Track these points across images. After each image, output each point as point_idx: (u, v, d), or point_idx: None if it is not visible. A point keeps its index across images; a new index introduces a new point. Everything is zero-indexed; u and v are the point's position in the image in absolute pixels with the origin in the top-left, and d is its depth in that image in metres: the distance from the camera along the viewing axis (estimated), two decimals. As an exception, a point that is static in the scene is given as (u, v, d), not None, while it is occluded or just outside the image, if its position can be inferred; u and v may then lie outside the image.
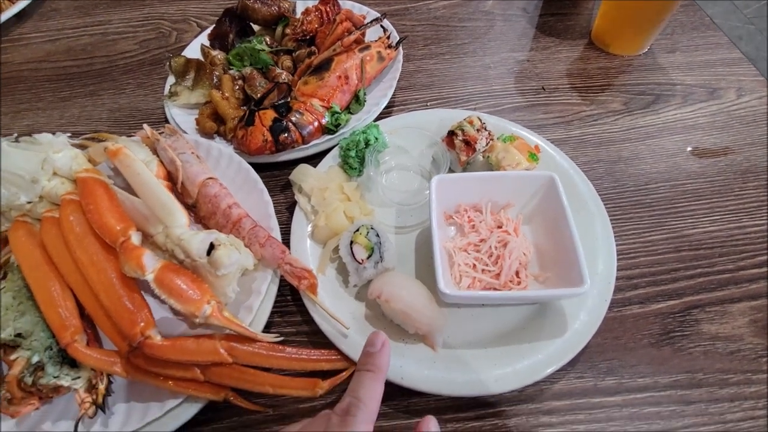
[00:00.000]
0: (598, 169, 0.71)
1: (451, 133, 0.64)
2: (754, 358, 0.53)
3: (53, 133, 0.58)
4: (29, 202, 0.54)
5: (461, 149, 0.62)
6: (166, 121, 0.79)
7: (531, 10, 0.98)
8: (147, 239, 0.55)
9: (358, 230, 0.57)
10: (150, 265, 0.48)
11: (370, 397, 0.35)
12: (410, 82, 0.86)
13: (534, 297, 0.51)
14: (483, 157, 0.65)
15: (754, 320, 0.56)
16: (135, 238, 0.51)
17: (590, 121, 0.77)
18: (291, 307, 0.60)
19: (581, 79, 0.84)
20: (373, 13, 0.89)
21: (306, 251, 0.61)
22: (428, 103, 0.82)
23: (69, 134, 0.59)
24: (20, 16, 1.07)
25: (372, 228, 0.57)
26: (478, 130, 0.62)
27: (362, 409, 0.34)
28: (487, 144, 0.63)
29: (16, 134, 0.57)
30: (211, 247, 0.50)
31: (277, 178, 0.72)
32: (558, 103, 0.80)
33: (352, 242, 0.56)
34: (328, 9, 0.85)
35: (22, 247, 0.53)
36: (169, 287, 0.48)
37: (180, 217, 0.52)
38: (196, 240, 0.50)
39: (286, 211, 0.68)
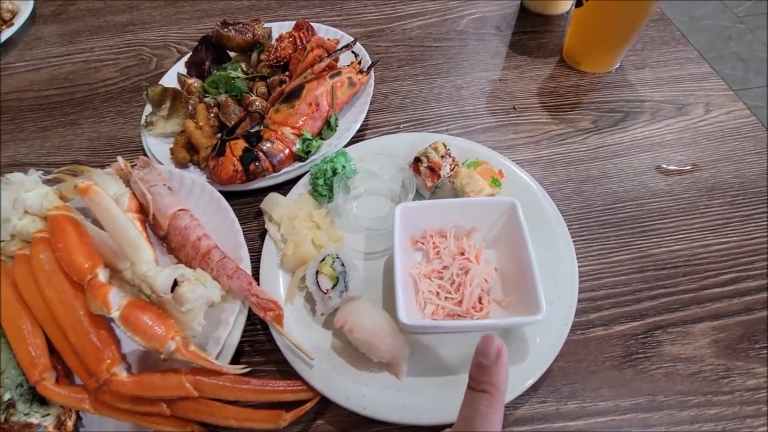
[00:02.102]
0: (567, 189, 0.72)
1: (417, 160, 0.65)
2: (715, 380, 0.53)
3: (26, 171, 0.60)
4: (1, 241, 0.56)
5: (426, 176, 0.64)
6: (143, 150, 0.81)
7: (504, 29, 0.99)
8: (117, 274, 0.56)
9: (323, 260, 0.58)
10: (115, 302, 0.50)
11: (489, 428, 0.28)
12: (384, 105, 0.87)
13: (490, 325, 0.51)
14: (450, 182, 0.66)
15: (716, 340, 0.56)
16: (102, 275, 0.52)
17: (559, 141, 0.78)
18: (261, 336, 0.61)
19: (552, 97, 0.85)
20: (347, 37, 0.90)
21: (277, 280, 0.62)
22: (401, 126, 0.84)
23: (41, 172, 0.60)
24: (6, 46, 1.10)
25: (337, 257, 0.58)
26: (442, 157, 0.64)
27: None
28: (451, 170, 0.64)
29: (-13, 176, 0.58)
30: (175, 283, 0.51)
31: (251, 205, 0.73)
32: (528, 123, 0.81)
33: (317, 272, 0.58)
34: (302, 35, 0.86)
35: (-6, 285, 0.54)
36: (134, 324, 0.49)
37: (146, 253, 0.53)
38: (160, 276, 0.52)
39: (258, 238, 0.70)
